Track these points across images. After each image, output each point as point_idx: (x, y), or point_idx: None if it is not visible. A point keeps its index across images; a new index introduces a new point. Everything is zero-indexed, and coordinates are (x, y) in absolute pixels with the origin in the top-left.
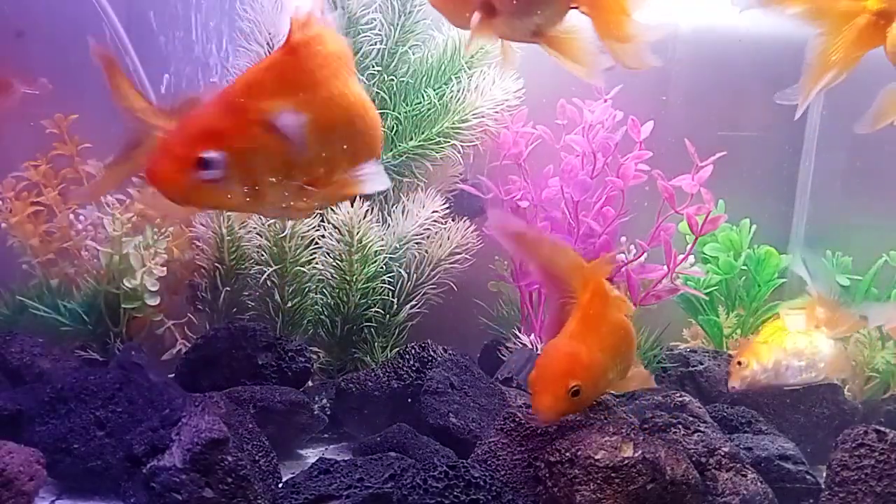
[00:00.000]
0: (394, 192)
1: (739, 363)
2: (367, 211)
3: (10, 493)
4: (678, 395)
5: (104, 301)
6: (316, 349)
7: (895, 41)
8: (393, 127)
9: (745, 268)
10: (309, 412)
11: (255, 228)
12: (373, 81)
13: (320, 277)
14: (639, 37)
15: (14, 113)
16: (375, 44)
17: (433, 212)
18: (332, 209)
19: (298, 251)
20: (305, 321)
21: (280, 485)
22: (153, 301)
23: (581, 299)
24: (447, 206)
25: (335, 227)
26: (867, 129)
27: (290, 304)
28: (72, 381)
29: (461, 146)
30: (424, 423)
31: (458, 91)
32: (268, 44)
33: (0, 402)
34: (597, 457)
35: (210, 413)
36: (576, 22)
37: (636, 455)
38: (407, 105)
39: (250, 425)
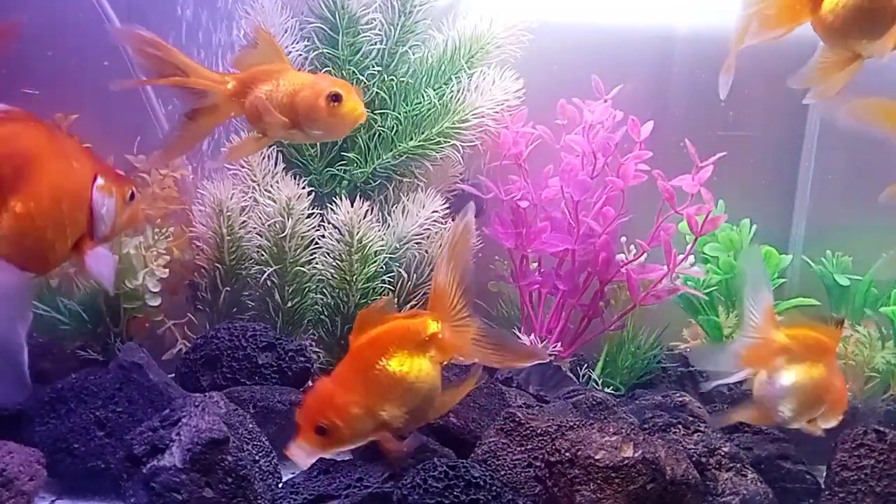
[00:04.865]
0: (394, 192)
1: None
2: (367, 211)
3: (10, 493)
4: (678, 395)
5: (104, 301)
6: (316, 349)
7: (827, 15)
8: (393, 127)
9: None
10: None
11: (255, 228)
12: (373, 81)
13: (320, 277)
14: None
15: None
16: (375, 44)
17: (433, 212)
18: (332, 209)
19: (298, 251)
20: (305, 321)
21: (280, 485)
22: (154, 302)
23: (353, 345)
24: (447, 206)
25: (335, 227)
26: (798, 85)
27: (290, 304)
28: (72, 381)
29: (461, 146)
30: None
31: (458, 91)
32: None
33: (0, 402)
34: (597, 457)
35: (210, 413)
36: None
37: (636, 455)
38: (407, 105)
39: (250, 425)
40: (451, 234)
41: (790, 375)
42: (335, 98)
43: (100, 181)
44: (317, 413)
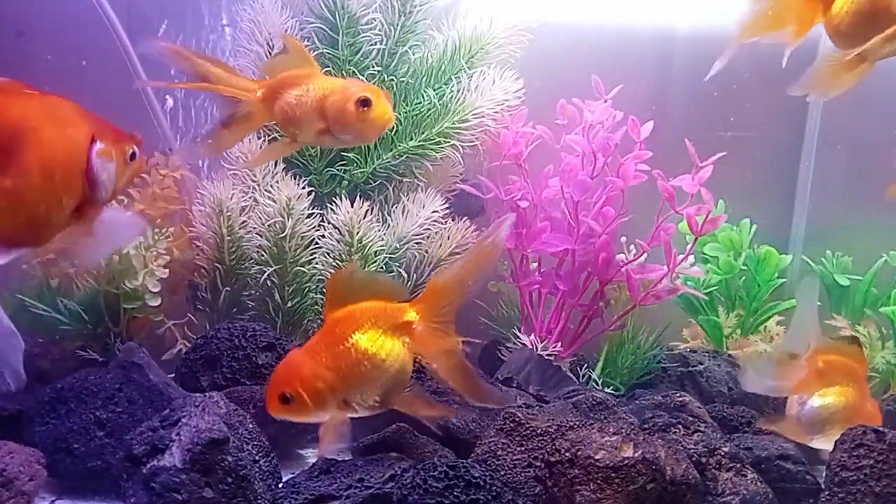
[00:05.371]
0: (394, 192)
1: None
2: (367, 211)
3: (10, 493)
4: (678, 395)
5: (104, 301)
6: None
7: (834, 17)
8: (393, 127)
9: (745, 268)
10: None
11: (255, 228)
12: (373, 81)
13: (320, 277)
14: None
15: None
16: (375, 44)
17: (433, 212)
18: (332, 209)
19: (298, 251)
20: (305, 321)
21: (280, 485)
22: (155, 302)
23: (327, 317)
24: (447, 206)
25: (335, 227)
26: (799, 92)
27: (290, 304)
28: (72, 381)
29: (461, 146)
30: (424, 423)
31: (458, 91)
32: (268, 44)
33: (0, 402)
34: (597, 457)
35: (210, 413)
36: None
37: (636, 455)
38: (407, 105)
39: (250, 425)
40: (478, 244)
41: (823, 398)
42: (364, 103)
43: (99, 145)
44: (283, 382)
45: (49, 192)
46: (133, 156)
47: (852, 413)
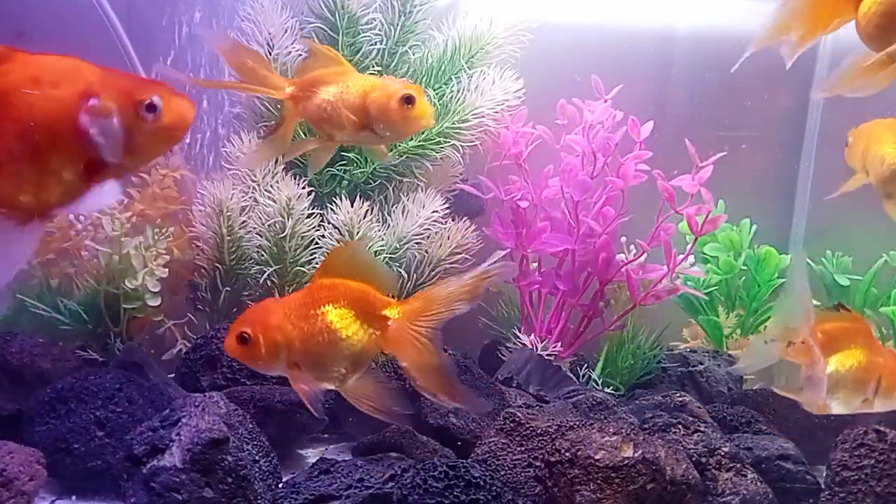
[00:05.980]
0: (394, 192)
1: None
2: (367, 211)
3: (10, 493)
4: (678, 395)
5: (104, 301)
6: None
7: (865, 13)
8: None
9: (745, 268)
10: (309, 412)
11: (255, 228)
12: None
13: None
14: None
15: None
16: (375, 44)
17: (433, 212)
18: (332, 209)
19: (298, 251)
20: None
21: (280, 485)
22: (154, 302)
23: (315, 280)
24: (447, 206)
25: (335, 227)
26: (825, 94)
27: None
28: (72, 381)
29: (461, 146)
30: (424, 423)
31: (458, 91)
32: (268, 44)
33: (0, 402)
34: (597, 457)
35: (210, 413)
36: None
37: (636, 455)
38: None
39: (250, 425)
40: (477, 274)
41: (828, 367)
42: (408, 100)
43: (92, 102)
44: (247, 322)
45: (31, 157)
46: (151, 107)
47: (862, 372)
